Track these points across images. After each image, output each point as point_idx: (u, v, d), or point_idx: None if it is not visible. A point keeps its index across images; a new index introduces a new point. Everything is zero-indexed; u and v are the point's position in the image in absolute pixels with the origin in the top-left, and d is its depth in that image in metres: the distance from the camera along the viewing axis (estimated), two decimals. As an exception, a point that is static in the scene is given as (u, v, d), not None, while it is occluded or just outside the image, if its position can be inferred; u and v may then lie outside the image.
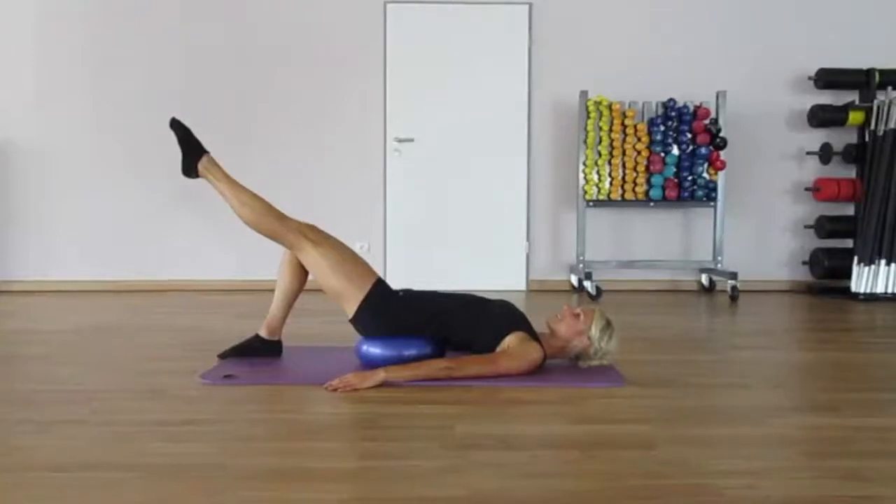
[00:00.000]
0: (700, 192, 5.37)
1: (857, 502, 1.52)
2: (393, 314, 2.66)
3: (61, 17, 5.56)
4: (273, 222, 2.67)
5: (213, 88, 5.63)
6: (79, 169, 5.61)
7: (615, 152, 5.37)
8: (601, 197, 5.42)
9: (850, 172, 5.71)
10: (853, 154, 5.51)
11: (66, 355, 2.99)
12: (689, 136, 5.37)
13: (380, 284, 2.70)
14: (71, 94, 5.60)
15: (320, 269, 2.65)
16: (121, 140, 5.62)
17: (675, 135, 5.38)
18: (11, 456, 1.77)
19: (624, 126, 5.38)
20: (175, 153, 5.64)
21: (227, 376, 2.56)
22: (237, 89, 5.62)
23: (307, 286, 2.91)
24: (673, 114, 5.37)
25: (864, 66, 5.58)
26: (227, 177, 2.73)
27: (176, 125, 2.76)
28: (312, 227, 2.73)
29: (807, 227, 5.69)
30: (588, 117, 5.38)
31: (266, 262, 5.41)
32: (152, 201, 5.63)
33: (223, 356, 2.87)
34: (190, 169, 2.76)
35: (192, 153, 2.75)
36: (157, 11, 5.59)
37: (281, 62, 5.62)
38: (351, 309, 2.66)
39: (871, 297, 5.16)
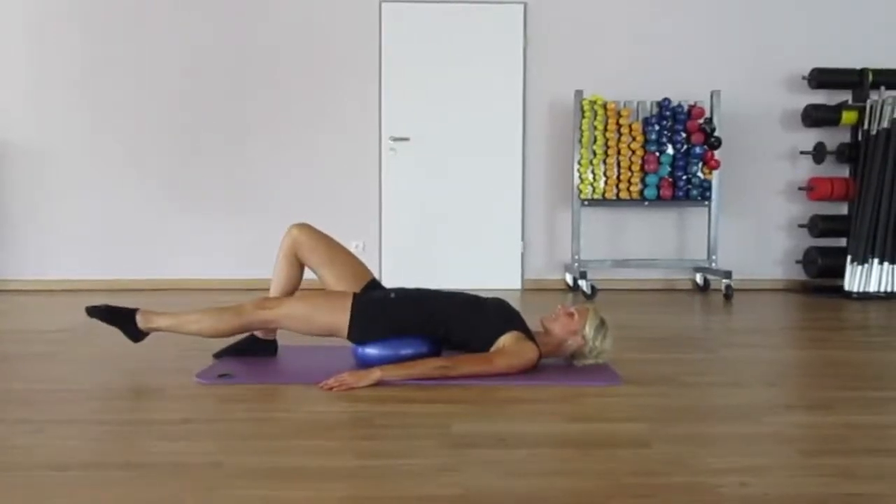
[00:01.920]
0: (694, 192, 5.39)
1: (851, 499, 1.53)
2: (384, 318, 2.63)
3: (58, 16, 5.55)
4: (232, 319, 2.63)
5: (209, 88, 5.62)
6: (75, 168, 5.60)
7: (610, 151, 5.38)
8: (596, 196, 5.43)
9: (844, 172, 5.74)
10: (846, 153, 5.53)
11: (63, 354, 2.99)
12: (684, 135, 5.38)
13: (361, 296, 2.66)
14: (67, 93, 5.59)
15: (298, 324, 2.62)
16: (117, 139, 5.61)
17: (669, 134, 5.39)
18: (9, 455, 1.77)
19: (619, 125, 5.40)
20: (171, 152, 5.68)
21: (222, 375, 2.56)
22: (233, 89, 5.62)
23: (302, 285, 2.91)
24: (667, 113, 5.39)
25: (858, 66, 5.60)
26: (168, 316, 2.69)
27: (92, 312, 2.67)
28: (265, 298, 2.68)
29: (800, 226, 5.71)
30: (583, 117, 5.39)
31: (262, 261, 5.42)
32: (149, 200, 5.63)
33: (219, 355, 2.88)
34: (135, 333, 2.70)
35: (126, 322, 2.69)
36: (154, 11, 5.58)
37: (277, 62, 5.62)
38: (343, 332, 2.64)
39: (865, 296, 5.18)
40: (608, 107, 5.38)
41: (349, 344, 2.82)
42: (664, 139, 5.39)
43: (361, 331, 2.63)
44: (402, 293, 2.73)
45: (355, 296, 2.66)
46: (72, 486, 1.59)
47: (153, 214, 5.63)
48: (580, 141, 5.42)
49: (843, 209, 5.74)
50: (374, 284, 2.81)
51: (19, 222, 5.60)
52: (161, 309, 2.75)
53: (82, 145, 5.60)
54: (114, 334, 3.47)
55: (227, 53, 5.62)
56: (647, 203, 5.44)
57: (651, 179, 5.36)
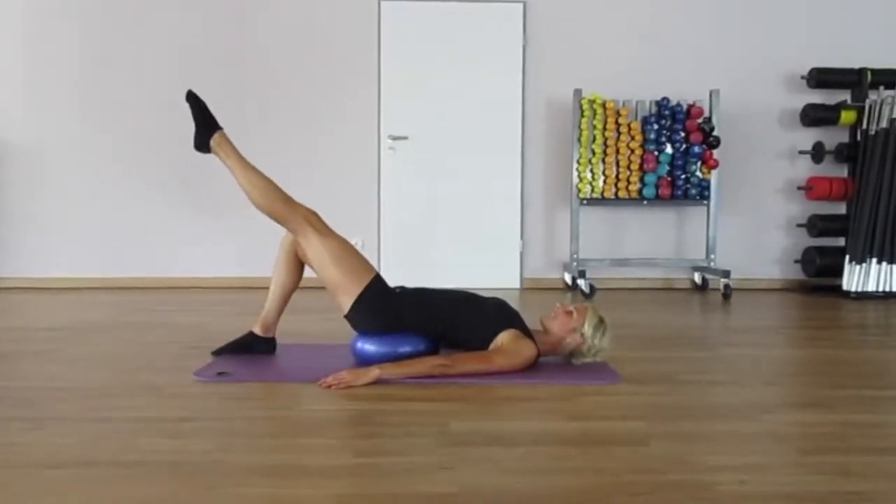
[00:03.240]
0: (693, 191, 5.39)
1: (849, 498, 1.53)
2: (389, 311, 2.66)
3: (55, 15, 5.54)
4: (280, 206, 2.66)
5: (206, 87, 5.61)
6: (74, 167, 5.59)
7: (609, 151, 5.38)
8: (595, 195, 5.43)
9: (842, 171, 5.74)
10: (845, 153, 5.53)
11: (61, 352, 2.99)
12: (683, 134, 5.38)
13: (377, 281, 2.69)
14: (66, 92, 5.58)
15: (321, 258, 2.64)
16: (116, 138, 5.61)
17: (668, 133, 5.39)
18: (7, 453, 1.77)
19: (618, 124, 5.40)
20: (170, 150, 5.67)
21: (221, 373, 2.56)
22: (231, 88, 5.61)
23: (302, 284, 2.92)
24: (666, 112, 5.39)
25: (856, 66, 5.61)
26: (238, 156, 2.71)
27: (192, 98, 2.73)
28: (318, 216, 2.73)
29: (799, 225, 5.71)
30: (582, 116, 5.39)
31: (261, 260, 5.42)
32: (148, 199, 5.62)
33: (217, 353, 2.87)
34: (202, 144, 2.73)
35: (206, 128, 2.72)
36: (153, 11, 5.57)
37: (275, 61, 5.62)
38: (347, 303, 2.65)
39: (863, 295, 5.19)
40: (607, 106, 5.38)
41: (347, 342, 2.82)
42: (663, 138, 5.39)
43: (363, 315, 2.65)
44: (405, 290, 2.74)
45: (375, 276, 2.68)
46: (69, 483, 1.58)
47: (152, 213, 5.63)
48: (579, 140, 5.42)
49: (842, 209, 5.74)
50: (381, 279, 2.80)
51: (18, 221, 5.59)
52: (234, 157, 2.71)
53: (81, 144, 5.60)
54: (109, 332, 3.47)
55: (226, 53, 5.61)
56: (645, 202, 5.44)
57: (650, 179, 5.36)
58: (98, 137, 5.60)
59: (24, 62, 5.56)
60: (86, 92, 5.59)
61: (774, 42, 5.74)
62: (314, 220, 2.68)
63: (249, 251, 5.60)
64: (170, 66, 5.60)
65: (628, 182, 5.40)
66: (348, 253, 2.67)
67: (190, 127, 5.59)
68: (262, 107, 5.63)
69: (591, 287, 5.18)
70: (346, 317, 2.69)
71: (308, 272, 2.85)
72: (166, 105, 5.60)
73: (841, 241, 5.62)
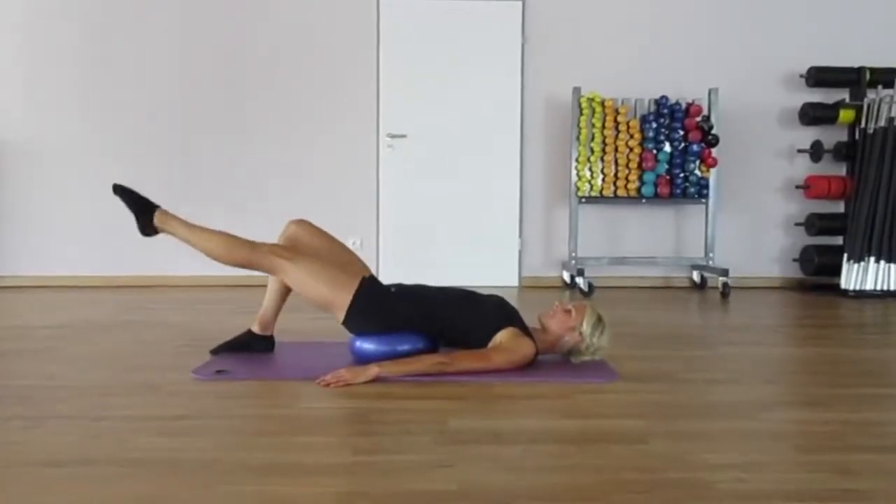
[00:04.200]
0: (692, 189, 5.39)
1: (846, 495, 1.54)
2: (385, 311, 2.65)
3: (55, 15, 5.54)
4: (246, 252, 2.62)
5: (206, 86, 5.62)
6: (73, 166, 5.59)
7: (608, 149, 5.38)
8: (593, 194, 5.43)
9: (841, 170, 5.74)
10: (843, 152, 5.54)
11: (60, 351, 2.98)
12: (682, 133, 5.38)
13: (367, 284, 2.66)
14: (66, 91, 5.57)
15: (304, 283, 2.60)
16: (116, 138, 5.60)
17: (667, 132, 5.39)
18: (5, 451, 1.77)
19: (616, 123, 5.40)
20: (169, 150, 5.65)
21: (219, 372, 2.56)
22: (230, 86, 5.61)
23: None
24: (665, 111, 5.39)
25: (855, 65, 5.61)
26: (184, 224, 2.69)
27: (119, 190, 2.70)
28: (283, 246, 2.70)
29: (797, 224, 5.72)
30: (581, 114, 5.39)
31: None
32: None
33: (215, 352, 2.87)
34: (146, 226, 2.71)
35: (144, 212, 2.71)
36: (151, 10, 5.57)
37: (275, 59, 5.62)
38: (341, 313, 2.63)
39: (861, 294, 5.19)
40: (606, 104, 5.38)
41: (346, 340, 2.82)
42: (662, 137, 5.39)
43: (358, 320, 2.64)
44: (402, 289, 2.73)
45: (363, 280, 2.67)
46: (68, 482, 1.58)
47: (150, 212, 5.62)
48: (578, 138, 5.42)
49: (840, 207, 5.74)
50: (372, 281, 2.81)
51: (17, 220, 5.59)
52: (182, 226, 2.70)
53: (81, 144, 5.59)
54: (107, 331, 3.47)
55: (225, 51, 5.61)
56: (644, 201, 5.44)
57: (648, 177, 5.36)
58: (98, 137, 5.60)
59: (24, 62, 5.56)
60: (86, 92, 5.59)
61: (773, 41, 5.74)
62: (280, 251, 2.63)
63: (248, 250, 5.59)
64: (170, 66, 5.60)
65: (627, 180, 5.40)
66: (325, 267, 2.63)
67: (194, 123, 5.63)
68: (262, 105, 5.63)
69: (590, 285, 5.18)
70: (343, 324, 2.68)
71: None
72: (166, 105, 5.60)
73: (839, 240, 5.63)
